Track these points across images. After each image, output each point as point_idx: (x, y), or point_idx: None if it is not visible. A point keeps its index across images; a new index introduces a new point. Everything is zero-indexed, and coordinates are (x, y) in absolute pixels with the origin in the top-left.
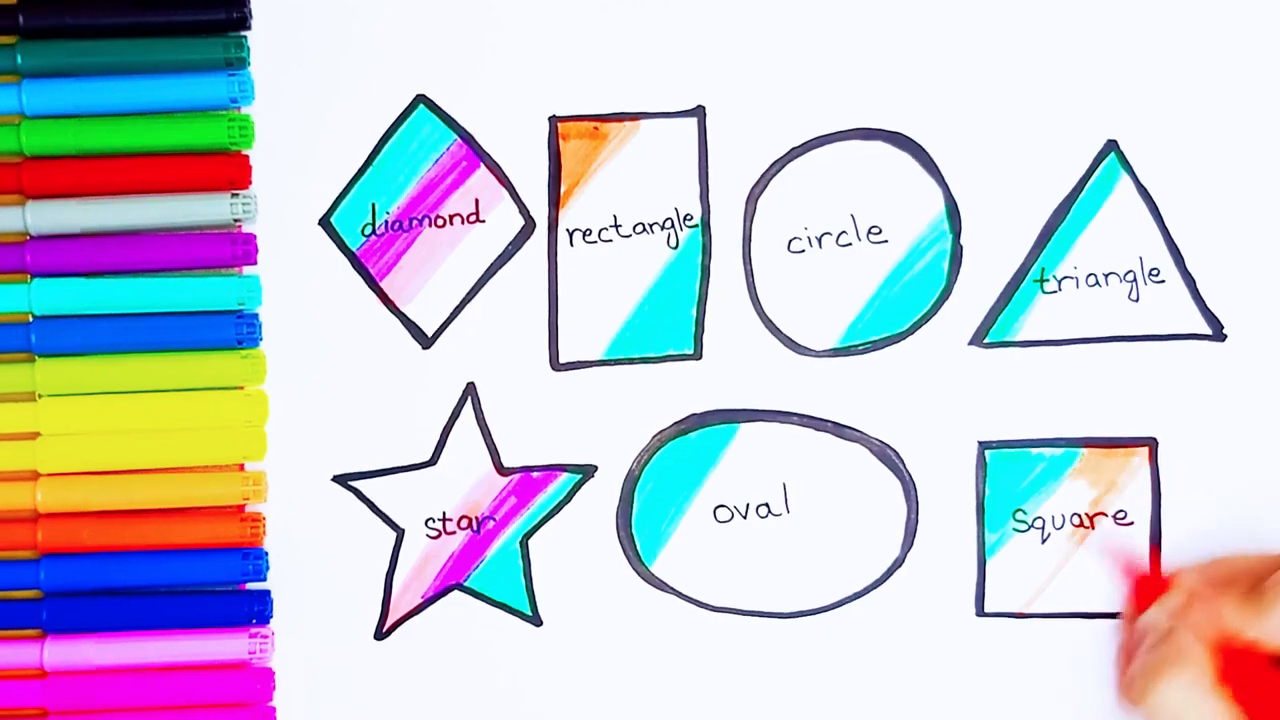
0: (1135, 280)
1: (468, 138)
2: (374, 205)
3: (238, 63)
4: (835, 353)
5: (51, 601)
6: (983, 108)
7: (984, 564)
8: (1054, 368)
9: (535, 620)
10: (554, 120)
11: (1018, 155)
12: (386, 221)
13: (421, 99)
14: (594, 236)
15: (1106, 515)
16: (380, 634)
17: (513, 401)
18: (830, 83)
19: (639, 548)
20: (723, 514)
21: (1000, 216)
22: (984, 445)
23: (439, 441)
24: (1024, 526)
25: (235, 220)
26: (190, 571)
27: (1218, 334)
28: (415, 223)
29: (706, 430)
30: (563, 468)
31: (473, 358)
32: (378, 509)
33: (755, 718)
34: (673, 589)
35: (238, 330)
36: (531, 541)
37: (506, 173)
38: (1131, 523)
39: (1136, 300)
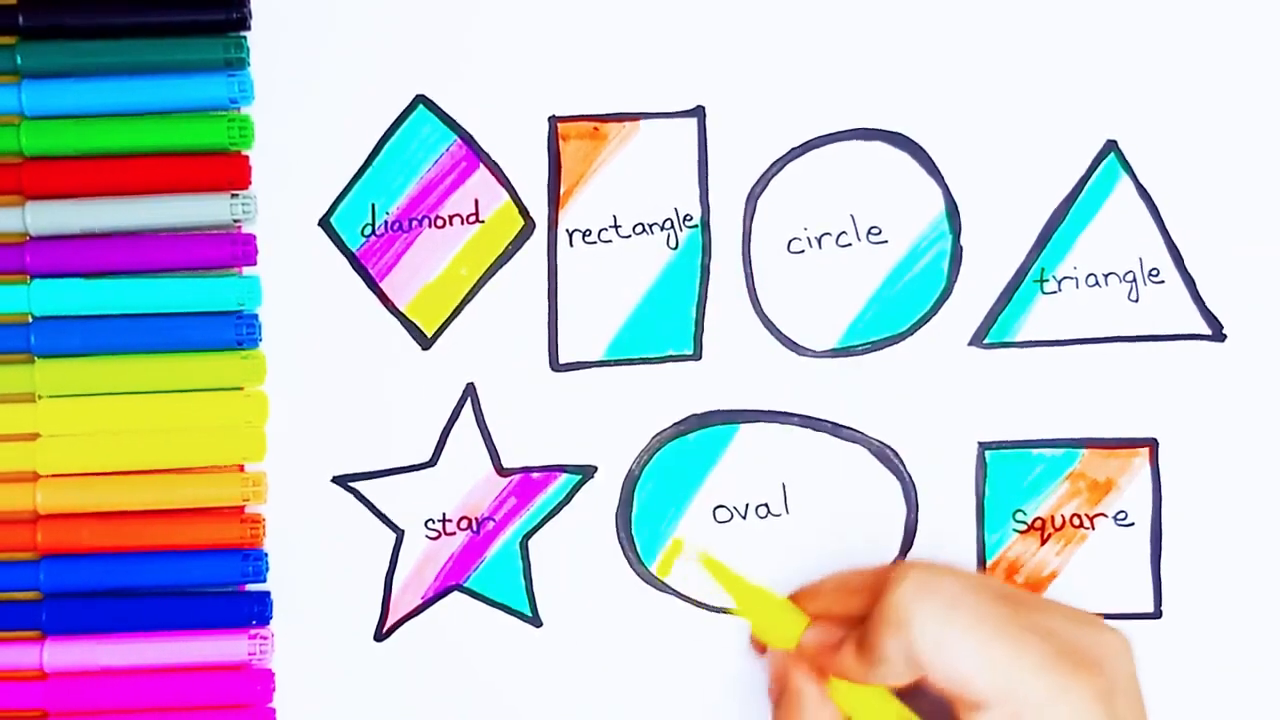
0: (1135, 280)
1: (468, 138)
2: (374, 205)
3: (238, 63)
4: (835, 353)
5: (51, 603)
6: (983, 108)
7: (984, 564)
8: (1054, 368)
9: (535, 621)
10: (554, 120)
11: (1018, 155)
12: (386, 222)
13: (421, 99)
14: (594, 237)
15: (1106, 515)
16: (380, 635)
17: (513, 402)
18: (830, 83)
19: (639, 548)
20: (722, 514)
21: (1000, 216)
22: (984, 445)
23: (439, 442)
24: (1024, 526)
25: (235, 221)
26: (190, 573)
27: (1218, 334)
28: (415, 223)
29: (706, 431)
30: (562, 468)
31: (473, 358)
32: (377, 510)
33: (755, 718)
34: (673, 589)
35: (237, 331)
36: (531, 542)
37: (506, 173)
38: (1132, 523)
39: (1136, 300)
